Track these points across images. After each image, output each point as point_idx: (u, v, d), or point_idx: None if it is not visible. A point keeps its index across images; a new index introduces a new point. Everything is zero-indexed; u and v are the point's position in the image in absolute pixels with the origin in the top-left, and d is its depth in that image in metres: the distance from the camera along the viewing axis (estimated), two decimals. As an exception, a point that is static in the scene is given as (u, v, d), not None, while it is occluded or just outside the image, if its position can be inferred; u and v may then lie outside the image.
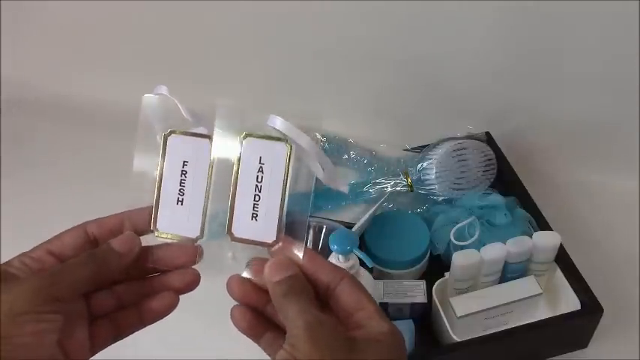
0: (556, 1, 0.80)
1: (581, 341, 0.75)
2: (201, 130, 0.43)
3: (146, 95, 0.43)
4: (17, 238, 0.41)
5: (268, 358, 0.42)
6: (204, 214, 0.43)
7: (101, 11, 1.05)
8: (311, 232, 0.76)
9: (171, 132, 0.43)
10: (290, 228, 0.42)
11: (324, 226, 0.76)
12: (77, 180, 1.00)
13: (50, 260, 0.40)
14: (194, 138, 0.43)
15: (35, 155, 1.08)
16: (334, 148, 0.85)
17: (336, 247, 0.66)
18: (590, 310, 0.69)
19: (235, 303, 0.41)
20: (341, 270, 0.40)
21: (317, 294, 0.39)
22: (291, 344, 0.35)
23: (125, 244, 0.41)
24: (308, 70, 1.01)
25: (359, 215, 0.79)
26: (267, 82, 1.03)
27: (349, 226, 0.76)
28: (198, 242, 0.43)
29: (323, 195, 0.80)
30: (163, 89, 0.43)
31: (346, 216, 0.80)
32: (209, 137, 0.43)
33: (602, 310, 0.69)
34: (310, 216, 0.77)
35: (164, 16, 1.02)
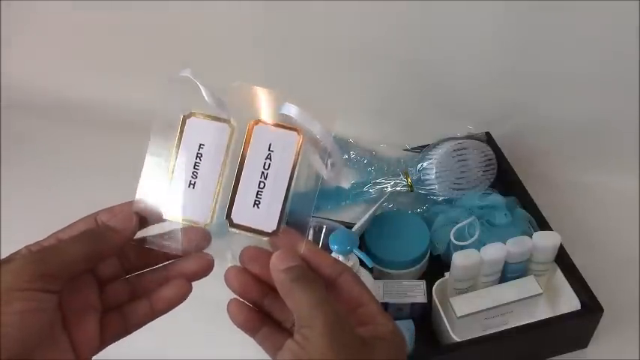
0: (556, 2, 0.80)
1: (581, 341, 0.75)
2: (222, 114, 0.42)
3: (168, 76, 0.42)
4: (17, 238, 0.41)
5: (266, 358, 0.41)
6: (216, 199, 0.42)
7: (101, 11, 1.05)
8: (311, 232, 0.76)
9: (191, 114, 0.42)
10: (292, 224, 0.41)
11: (324, 226, 0.76)
12: (77, 180, 1.00)
13: None
14: (213, 122, 0.42)
15: (35, 155, 1.08)
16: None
17: (336, 247, 0.66)
18: (590, 310, 0.69)
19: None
20: (341, 264, 0.40)
21: None
22: (303, 335, 0.34)
23: (121, 221, 0.41)
24: (308, 69, 1.01)
25: (359, 215, 0.78)
26: (267, 82, 1.03)
27: (349, 226, 0.76)
28: (207, 227, 0.42)
29: (323, 195, 0.80)
30: (187, 71, 0.42)
31: (346, 216, 0.80)
32: (228, 121, 0.42)
33: (602, 310, 0.69)
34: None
35: (164, 16, 1.02)
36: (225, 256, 0.42)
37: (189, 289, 0.42)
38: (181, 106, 0.42)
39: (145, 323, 0.43)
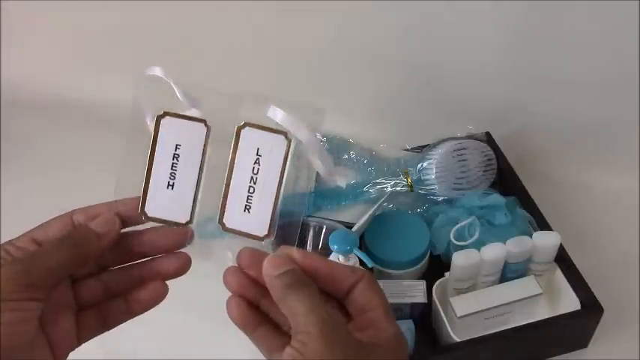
0: (556, 2, 0.80)
1: (581, 341, 0.75)
2: (196, 113, 0.42)
3: (139, 75, 0.42)
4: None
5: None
6: (195, 200, 0.42)
7: (101, 11, 1.05)
8: (311, 232, 0.76)
9: (165, 114, 0.42)
10: (285, 225, 0.41)
11: (324, 226, 0.76)
12: (77, 180, 1.00)
13: (33, 248, 0.39)
14: (188, 121, 0.42)
15: (35, 155, 1.08)
16: (334, 148, 0.85)
17: (336, 247, 0.66)
18: (590, 310, 0.69)
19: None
20: (358, 272, 0.39)
21: (333, 295, 0.39)
22: (301, 342, 0.34)
23: (104, 225, 0.40)
24: (308, 69, 1.01)
25: (359, 215, 0.78)
26: (266, 82, 1.03)
27: (349, 226, 0.76)
28: (189, 226, 0.42)
29: (323, 195, 0.80)
30: (157, 70, 0.41)
31: (346, 216, 0.80)
32: (204, 121, 0.41)
33: (602, 310, 0.69)
34: (310, 216, 0.77)
35: (165, 16, 1.02)
36: (226, 255, 0.42)
37: (166, 291, 0.42)
38: (156, 105, 0.42)
39: (122, 322, 0.43)
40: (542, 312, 0.72)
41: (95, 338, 0.42)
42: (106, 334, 0.42)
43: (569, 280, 0.72)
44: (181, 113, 0.42)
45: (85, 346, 0.42)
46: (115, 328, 0.43)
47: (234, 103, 0.42)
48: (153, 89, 0.42)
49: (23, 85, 1.15)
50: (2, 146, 1.08)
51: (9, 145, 1.08)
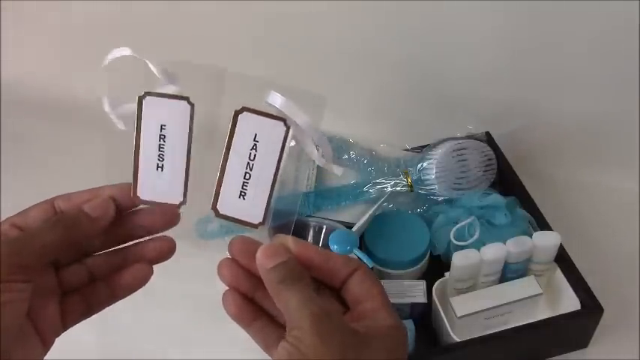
0: (556, 1, 0.80)
1: (581, 341, 0.75)
2: (175, 90, 0.41)
3: (110, 58, 0.41)
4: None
5: (266, 358, 0.41)
6: (187, 179, 0.41)
7: (101, 11, 1.05)
8: (311, 232, 0.76)
9: (146, 94, 0.41)
10: (279, 222, 0.41)
11: (324, 226, 0.76)
12: (77, 180, 0.99)
13: (14, 233, 0.39)
14: (170, 100, 0.41)
15: (35, 155, 1.08)
16: (334, 148, 0.85)
17: (336, 247, 0.66)
18: (590, 310, 0.69)
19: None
20: (353, 262, 0.39)
21: (329, 285, 0.39)
22: (295, 336, 0.34)
23: (99, 208, 0.40)
24: (307, 69, 1.01)
25: (359, 215, 0.78)
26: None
27: (349, 226, 0.76)
28: (181, 209, 0.41)
29: (323, 195, 0.80)
30: (127, 50, 0.40)
31: (346, 216, 0.80)
32: (187, 99, 0.41)
33: (602, 310, 0.69)
34: (310, 216, 0.77)
35: (165, 16, 1.02)
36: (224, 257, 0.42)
37: (150, 273, 0.42)
38: (135, 87, 0.41)
39: (106, 306, 0.42)
40: (542, 312, 0.72)
41: (93, 336, 0.41)
42: (104, 332, 0.42)
43: (569, 280, 0.72)
44: (162, 92, 0.41)
45: (83, 344, 0.41)
46: (114, 327, 0.42)
47: (216, 77, 0.40)
48: (131, 69, 0.41)
49: (23, 85, 1.15)
50: (2, 146, 1.08)
51: (9, 145, 1.08)
